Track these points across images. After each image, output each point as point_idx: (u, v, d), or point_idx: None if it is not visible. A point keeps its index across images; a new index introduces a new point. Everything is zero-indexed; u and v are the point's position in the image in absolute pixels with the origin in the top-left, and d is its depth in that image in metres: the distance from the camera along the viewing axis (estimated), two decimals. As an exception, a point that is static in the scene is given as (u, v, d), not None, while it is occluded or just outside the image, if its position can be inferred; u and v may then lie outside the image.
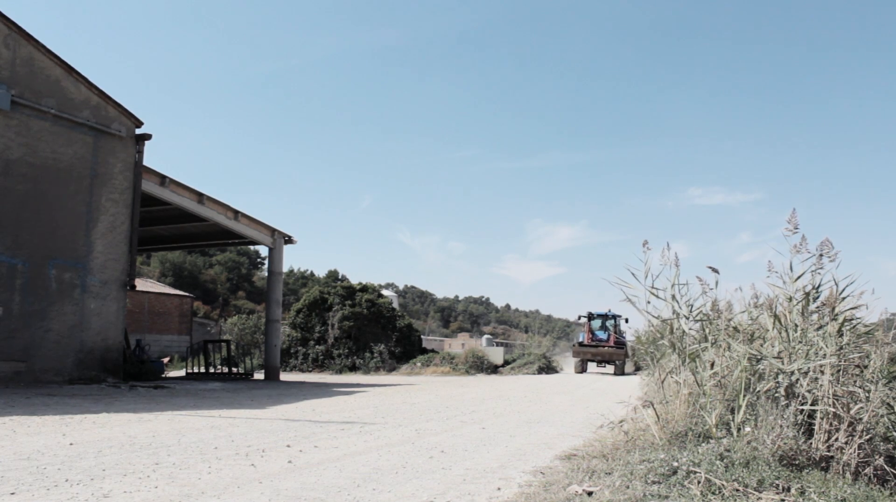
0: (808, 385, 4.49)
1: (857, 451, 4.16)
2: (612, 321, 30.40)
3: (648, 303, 5.57)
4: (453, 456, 5.39)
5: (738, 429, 4.65)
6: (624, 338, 30.18)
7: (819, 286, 4.96)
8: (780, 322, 4.98)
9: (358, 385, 18.30)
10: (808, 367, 4.52)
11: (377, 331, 30.03)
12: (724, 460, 4.02)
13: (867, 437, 4.23)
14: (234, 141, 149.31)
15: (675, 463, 3.97)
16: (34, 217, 14.35)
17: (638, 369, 30.02)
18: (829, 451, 4.28)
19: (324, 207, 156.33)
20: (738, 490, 3.58)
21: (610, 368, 31.08)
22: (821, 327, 4.77)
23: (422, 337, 34.11)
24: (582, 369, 30.00)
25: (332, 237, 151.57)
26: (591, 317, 30.80)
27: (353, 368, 28.88)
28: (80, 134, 15.30)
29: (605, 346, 29.67)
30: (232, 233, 21.58)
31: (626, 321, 30.42)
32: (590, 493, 3.74)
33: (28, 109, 14.32)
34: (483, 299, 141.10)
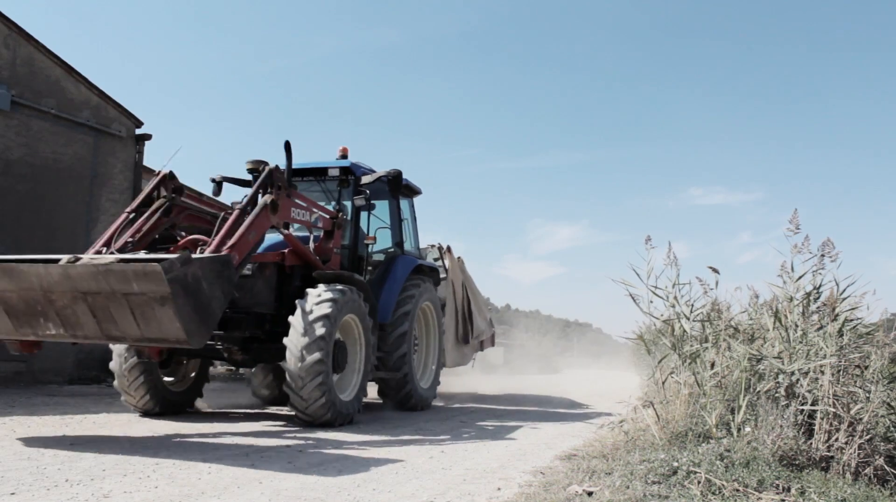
0: (808, 385, 4.49)
1: (857, 451, 4.16)
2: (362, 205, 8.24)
3: (651, 302, 5.58)
4: (453, 456, 5.39)
5: (739, 429, 4.65)
6: (430, 264, 9.90)
7: (820, 286, 4.97)
8: (780, 322, 4.98)
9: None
10: (809, 367, 4.52)
11: (377, 332, 29.78)
12: (724, 460, 4.02)
13: (867, 437, 4.23)
14: (234, 141, 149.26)
15: (675, 464, 3.97)
16: (34, 217, 14.35)
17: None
18: (829, 451, 4.28)
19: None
20: (738, 490, 3.58)
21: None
22: (821, 327, 4.77)
23: (421, 337, 33.72)
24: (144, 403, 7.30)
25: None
26: (257, 171, 7.22)
27: (352, 368, 28.69)
28: (80, 134, 15.31)
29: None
30: (232, 233, 21.54)
31: (415, 195, 10.18)
32: (590, 493, 3.74)
33: (28, 109, 14.32)
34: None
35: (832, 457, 4.26)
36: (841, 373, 4.50)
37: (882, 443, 4.35)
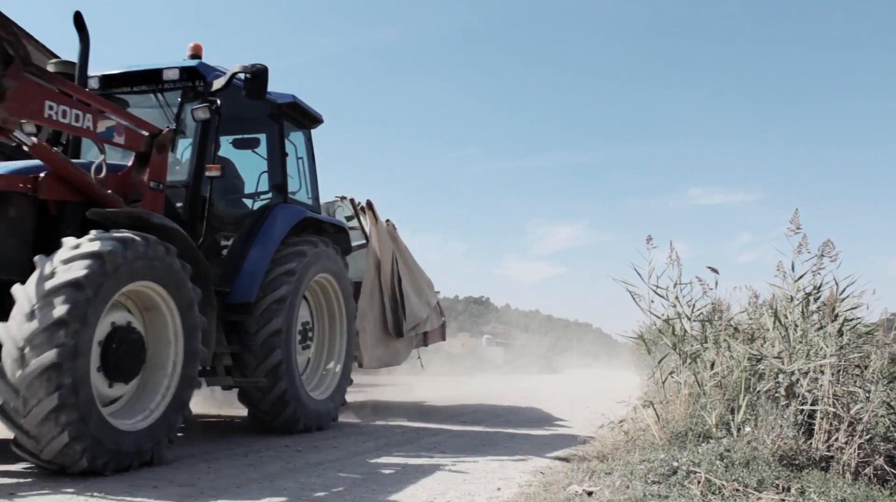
0: (808, 385, 4.49)
1: (857, 451, 4.16)
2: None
3: (651, 302, 5.58)
4: (453, 456, 5.39)
5: (738, 429, 4.65)
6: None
7: (820, 286, 4.98)
8: (780, 322, 4.99)
9: (358, 385, 18.30)
10: (809, 367, 4.52)
11: (377, 331, 29.65)
12: (724, 460, 4.02)
13: (867, 437, 4.23)
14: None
15: (675, 463, 3.97)
16: (34, 217, 14.33)
17: None
18: (829, 451, 4.28)
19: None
20: (738, 490, 3.58)
21: None
22: (821, 327, 4.78)
23: (422, 337, 33.64)
24: None
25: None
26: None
27: (352, 368, 28.64)
28: (80, 134, 15.31)
29: None
30: (232, 233, 21.45)
31: (313, 124, 7.09)
32: (590, 493, 3.74)
33: (28, 109, 14.30)
34: (483, 299, 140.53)
35: (832, 457, 4.26)
36: (841, 372, 4.51)
37: (882, 443, 4.35)
